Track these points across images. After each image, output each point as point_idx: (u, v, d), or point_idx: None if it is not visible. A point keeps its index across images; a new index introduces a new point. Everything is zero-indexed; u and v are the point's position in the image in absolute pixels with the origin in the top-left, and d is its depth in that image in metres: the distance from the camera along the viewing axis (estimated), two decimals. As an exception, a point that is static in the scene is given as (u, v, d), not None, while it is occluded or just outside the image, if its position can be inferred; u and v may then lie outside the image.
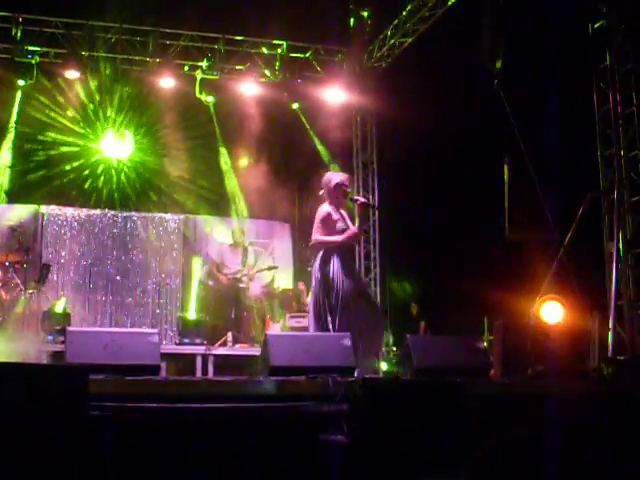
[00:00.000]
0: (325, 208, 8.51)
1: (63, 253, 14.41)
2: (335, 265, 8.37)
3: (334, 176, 8.70)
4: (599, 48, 10.04)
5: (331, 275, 8.37)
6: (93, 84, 14.34)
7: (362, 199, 8.68)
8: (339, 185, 8.52)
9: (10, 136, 14.26)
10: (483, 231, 12.25)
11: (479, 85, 11.65)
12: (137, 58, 14.22)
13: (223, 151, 15.27)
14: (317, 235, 8.47)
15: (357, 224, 8.54)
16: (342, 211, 8.63)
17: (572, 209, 10.06)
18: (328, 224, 8.46)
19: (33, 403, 5.23)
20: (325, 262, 8.42)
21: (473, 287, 12.16)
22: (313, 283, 8.54)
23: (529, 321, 9.35)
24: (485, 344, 8.80)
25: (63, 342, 10.85)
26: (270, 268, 14.27)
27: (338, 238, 8.39)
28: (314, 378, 7.02)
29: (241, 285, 13.27)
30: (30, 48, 13.74)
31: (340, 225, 8.48)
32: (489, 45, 11.51)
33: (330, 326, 8.42)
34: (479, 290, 11.84)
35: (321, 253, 8.48)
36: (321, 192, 8.69)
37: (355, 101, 15.19)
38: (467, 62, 11.60)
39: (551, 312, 9.40)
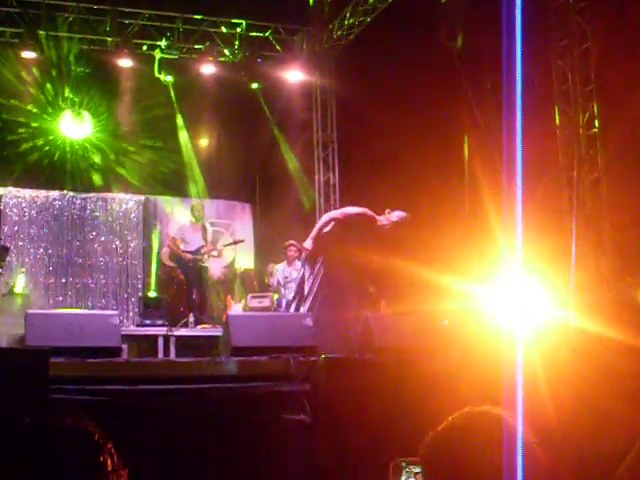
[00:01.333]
0: (371, 213, 9.35)
1: (22, 235, 14.28)
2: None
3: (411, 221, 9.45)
4: (556, 26, 10.11)
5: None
6: (50, 64, 14.15)
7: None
8: (404, 225, 9.34)
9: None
10: (445, 210, 12.31)
11: (438, 63, 11.70)
12: (95, 38, 14.08)
13: (182, 131, 15.16)
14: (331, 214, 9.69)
15: None
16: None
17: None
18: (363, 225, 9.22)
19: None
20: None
21: (431, 267, 12.22)
22: None
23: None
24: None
25: (16, 325, 10.86)
26: (237, 242, 14.17)
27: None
28: (276, 358, 7.03)
29: (203, 264, 13.17)
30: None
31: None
32: (447, 24, 11.56)
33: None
34: (437, 272, 11.90)
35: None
36: (391, 213, 9.37)
37: (315, 80, 15.17)
38: (426, 40, 11.63)
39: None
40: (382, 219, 9.26)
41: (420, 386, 6.19)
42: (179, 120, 15.00)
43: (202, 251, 13.01)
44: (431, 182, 12.43)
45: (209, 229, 13.42)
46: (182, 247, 13.11)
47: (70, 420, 2.31)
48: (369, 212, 9.28)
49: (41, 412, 4.61)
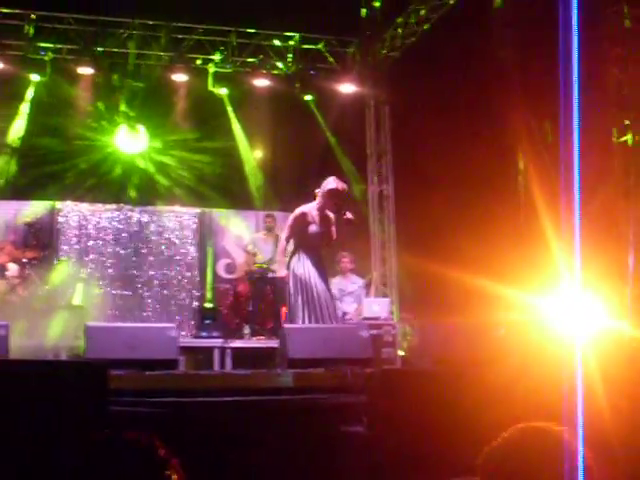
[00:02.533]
0: (301, 208, 8.98)
1: (79, 249, 14.43)
2: (305, 263, 8.70)
3: (333, 182, 9.09)
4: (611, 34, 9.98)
5: (302, 272, 8.67)
6: (106, 80, 14.33)
7: (350, 216, 8.87)
8: (331, 195, 8.94)
9: (21, 134, 14.30)
10: (499, 222, 12.22)
11: (492, 73, 11.62)
12: (150, 53, 14.23)
13: (239, 144, 15.24)
14: (283, 234, 9.21)
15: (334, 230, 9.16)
16: (330, 214, 9.05)
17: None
18: (300, 224, 9.01)
19: (54, 399, 5.26)
20: (296, 260, 9.03)
21: (486, 278, 12.14)
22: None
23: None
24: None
25: (75, 337, 10.98)
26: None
27: (283, 245, 9.23)
28: (332, 370, 7.04)
29: (270, 275, 13.12)
30: (43, 45, 13.77)
31: (313, 228, 8.78)
32: (500, 33, 11.49)
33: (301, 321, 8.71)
34: (492, 282, 11.82)
35: (294, 251, 8.88)
36: (317, 190, 8.93)
37: (368, 91, 15.14)
38: (480, 50, 11.57)
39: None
40: (314, 203, 9.20)
41: (477, 398, 6.14)
42: (235, 132, 15.08)
43: (273, 261, 13.02)
44: (485, 192, 12.36)
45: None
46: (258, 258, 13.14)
47: (135, 435, 2.32)
48: (301, 209, 9.23)
49: (101, 425, 4.68)
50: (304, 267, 8.91)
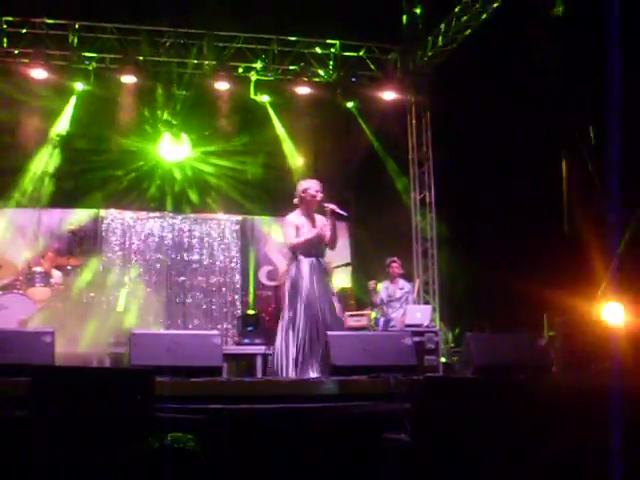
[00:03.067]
0: (290, 218, 8.87)
1: (123, 256, 14.56)
2: (304, 276, 8.65)
3: (304, 183, 9.01)
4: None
5: (300, 285, 8.61)
6: (149, 88, 14.46)
7: (332, 206, 8.73)
8: (306, 190, 8.82)
9: (63, 142, 14.46)
10: (542, 227, 12.16)
11: (534, 80, 11.57)
12: (192, 61, 14.32)
13: (279, 150, 15.30)
14: (290, 239, 8.75)
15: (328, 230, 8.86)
16: (317, 216, 8.90)
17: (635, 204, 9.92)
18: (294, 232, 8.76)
19: (100, 407, 5.31)
20: (293, 272, 8.73)
21: (530, 284, 12.07)
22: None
23: (590, 320, 9.26)
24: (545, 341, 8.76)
25: (118, 344, 11.07)
26: (347, 264, 14.22)
27: (307, 235, 8.68)
28: (376, 377, 7.03)
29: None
30: (86, 54, 13.92)
31: (305, 232, 8.66)
32: (541, 40, 11.42)
33: (292, 336, 8.55)
34: (536, 287, 11.75)
35: (291, 263, 8.85)
36: (295, 200, 8.89)
37: (410, 98, 15.16)
38: (522, 56, 11.51)
39: (612, 313, 9.29)
40: (296, 212, 8.98)
41: (522, 405, 6.11)
42: (279, 139, 15.14)
43: None
44: (529, 198, 12.31)
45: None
46: None
47: (175, 440, 2.35)
48: (289, 219, 8.98)
49: (148, 432, 4.71)
50: (300, 278, 8.74)
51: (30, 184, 14.23)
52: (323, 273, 8.89)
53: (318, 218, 8.93)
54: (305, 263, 8.72)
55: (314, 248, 8.82)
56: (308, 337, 8.44)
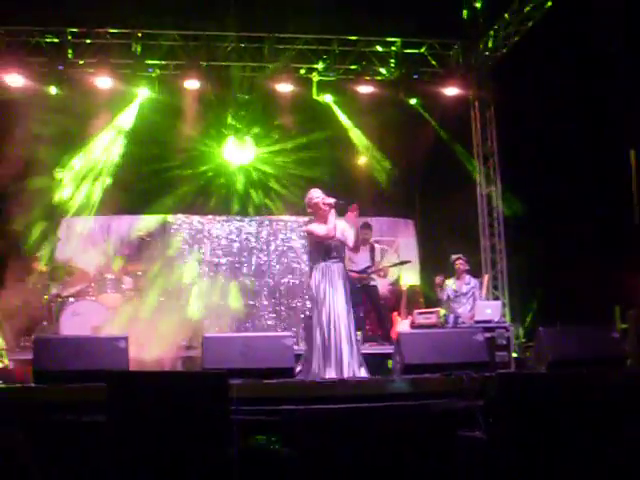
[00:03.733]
0: (309, 227, 9.19)
1: (189, 258, 14.66)
2: (318, 281, 8.84)
3: (307, 195, 9.29)
4: None
5: (314, 291, 8.81)
6: (212, 93, 14.55)
7: (329, 200, 9.05)
8: (310, 201, 9.15)
9: (131, 149, 14.64)
10: (612, 219, 12.02)
11: (599, 70, 11.42)
12: (254, 65, 14.39)
13: (343, 150, 15.31)
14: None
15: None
16: (336, 221, 9.07)
17: None
18: (318, 242, 9.00)
19: (176, 410, 5.37)
20: (312, 278, 8.97)
21: (601, 275, 11.93)
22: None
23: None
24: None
25: (190, 348, 11.18)
26: (403, 263, 14.16)
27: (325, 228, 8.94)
28: (448, 375, 7.02)
29: (372, 283, 13.20)
30: (150, 62, 14.08)
31: (325, 242, 8.91)
32: (605, 28, 11.27)
33: (316, 341, 8.60)
34: (608, 278, 11.61)
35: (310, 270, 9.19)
36: (308, 210, 9.30)
37: (473, 93, 15.05)
38: (586, 46, 11.37)
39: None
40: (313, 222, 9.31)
41: (597, 400, 6.04)
42: (340, 139, 15.14)
43: (368, 271, 13.06)
44: (597, 191, 12.17)
45: (377, 248, 13.46)
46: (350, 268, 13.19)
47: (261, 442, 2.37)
48: (309, 227, 9.32)
49: (223, 434, 4.76)
50: (316, 287, 8.87)
51: (99, 193, 14.44)
52: (337, 278, 8.92)
53: (340, 224, 9.14)
54: (318, 269, 8.92)
55: (327, 254, 8.96)
56: (326, 340, 8.51)
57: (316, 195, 9.13)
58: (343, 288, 8.80)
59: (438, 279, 13.46)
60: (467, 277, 13.16)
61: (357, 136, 15.33)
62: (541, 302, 13.71)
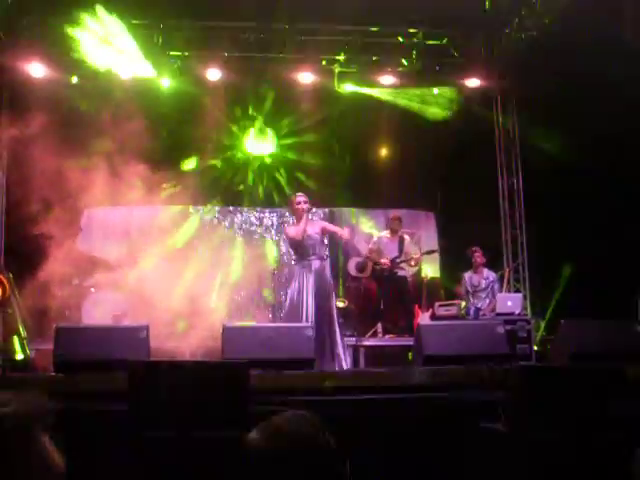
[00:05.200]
0: (289, 228, 10.26)
1: (208, 249, 14.66)
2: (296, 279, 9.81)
3: (292, 196, 10.35)
4: None
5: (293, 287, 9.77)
6: (234, 84, 14.52)
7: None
8: (292, 202, 10.13)
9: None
10: (635, 211, 11.96)
11: (622, 58, 11.33)
12: (275, 56, 14.35)
13: (364, 142, 15.28)
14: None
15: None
16: (318, 221, 10.47)
17: None
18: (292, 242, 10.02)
19: (197, 400, 5.37)
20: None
21: (622, 269, 11.87)
22: None
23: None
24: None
25: (210, 338, 11.19)
26: (431, 252, 14.12)
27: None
28: (468, 366, 6.99)
29: (400, 273, 13.15)
30: (172, 53, 14.07)
31: (307, 240, 9.82)
32: (632, 18, 11.18)
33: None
34: (629, 272, 11.54)
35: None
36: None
37: (494, 84, 14.96)
38: (610, 37, 11.27)
39: None
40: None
41: (619, 393, 6.00)
42: (362, 131, 15.09)
43: (397, 261, 13.03)
44: (621, 180, 12.11)
45: (407, 239, 13.42)
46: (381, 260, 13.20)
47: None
48: (289, 228, 10.36)
49: (244, 425, 4.75)
50: (299, 283, 9.66)
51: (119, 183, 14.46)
52: (311, 273, 9.74)
53: (320, 223, 10.34)
54: (297, 267, 9.92)
55: (304, 252, 9.84)
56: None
57: (297, 200, 10.00)
58: (314, 284, 9.59)
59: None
60: (485, 271, 13.12)
61: (377, 128, 15.27)
62: (566, 284, 13.60)
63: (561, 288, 13.62)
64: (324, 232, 10.14)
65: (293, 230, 9.90)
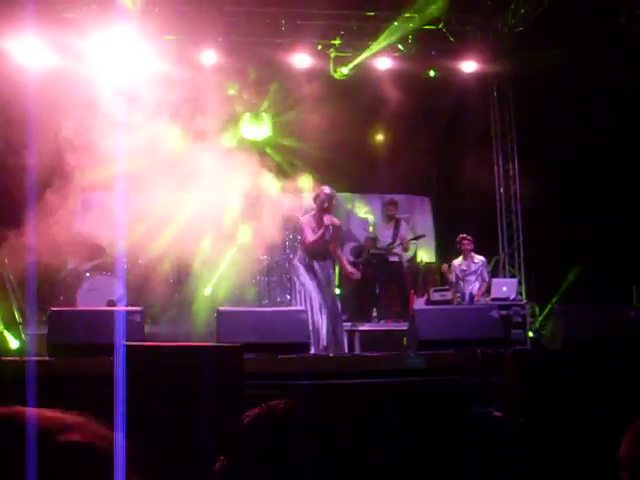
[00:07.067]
0: (304, 219, 10.25)
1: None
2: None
3: (328, 189, 10.27)
4: None
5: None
6: (229, 68, 14.43)
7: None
8: (328, 195, 10.09)
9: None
10: (631, 195, 11.97)
11: (621, 48, 11.32)
12: (271, 40, 14.28)
13: (360, 126, 15.24)
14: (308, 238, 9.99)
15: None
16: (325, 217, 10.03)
17: None
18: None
19: (191, 384, 5.37)
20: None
21: (619, 255, 11.88)
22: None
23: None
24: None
25: (205, 322, 11.21)
26: (417, 237, 14.13)
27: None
28: (463, 351, 7.01)
29: (391, 259, 13.18)
30: (165, 37, 13.95)
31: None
32: (630, 4, 11.15)
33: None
34: (625, 258, 11.56)
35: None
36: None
37: (490, 69, 14.92)
38: (608, 24, 11.26)
39: None
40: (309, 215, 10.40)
41: (613, 378, 6.02)
42: (357, 115, 15.04)
43: (390, 247, 13.06)
44: (614, 167, 12.11)
45: (403, 224, 13.43)
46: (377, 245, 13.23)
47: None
48: (304, 220, 10.34)
49: (238, 409, 4.74)
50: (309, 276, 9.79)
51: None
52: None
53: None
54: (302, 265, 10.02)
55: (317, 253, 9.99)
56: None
57: (331, 194, 10.10)
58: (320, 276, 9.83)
59: (444, 267, 13.45)
60: (474, 256, 13.13)
61: (372, 113, 15.23)
62: (571, 283, 13.58)
63: (566, 284, 13.59)
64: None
65: (312, 238, 9.90)
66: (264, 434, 2.19)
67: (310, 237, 9.79)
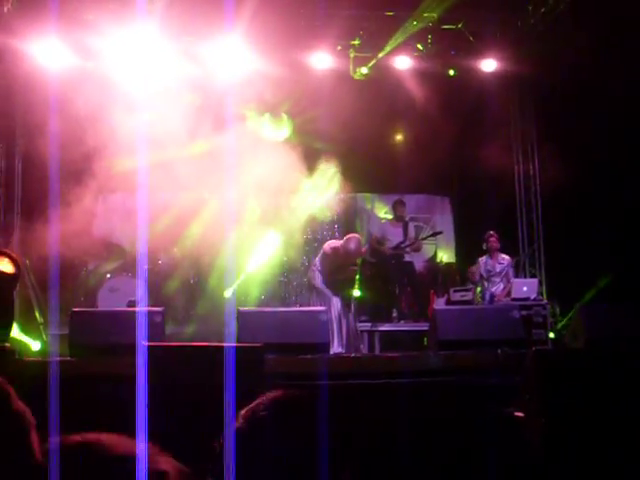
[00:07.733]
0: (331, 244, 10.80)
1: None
2: None
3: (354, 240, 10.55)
4: None
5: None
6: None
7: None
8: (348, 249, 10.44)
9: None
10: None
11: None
12: (290, 41, 14.27)
13: (380, 127, 15.21)
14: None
15: None
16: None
17: None
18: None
19: (211, 383, 5.37)
20: None
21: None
22: None
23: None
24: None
25: (225, 323, 11.22)
26: (435, 234, 14.11)
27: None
28: (483, 351, 6.99)
29: (406, 259, 13.17)
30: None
31: None
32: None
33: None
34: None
35: None
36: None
37: (510, 68, 14.85)
38: (630, 20, 11.18)
39: None
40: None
41: (636, 379, 5.98)
42: (377, 116, 15.01)
43: (402, 246, 13.03)
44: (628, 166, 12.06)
45: (411, 226, 13.43)
46: (385, 245, 13.21)
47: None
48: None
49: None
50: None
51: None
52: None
53: None
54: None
55: None
56: None
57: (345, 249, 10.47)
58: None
59: (471, 269, 13.42)
60: (500, 255, 13.08)
61: (392, 113, 15.20)
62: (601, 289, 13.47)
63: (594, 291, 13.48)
64: None
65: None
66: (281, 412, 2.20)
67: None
